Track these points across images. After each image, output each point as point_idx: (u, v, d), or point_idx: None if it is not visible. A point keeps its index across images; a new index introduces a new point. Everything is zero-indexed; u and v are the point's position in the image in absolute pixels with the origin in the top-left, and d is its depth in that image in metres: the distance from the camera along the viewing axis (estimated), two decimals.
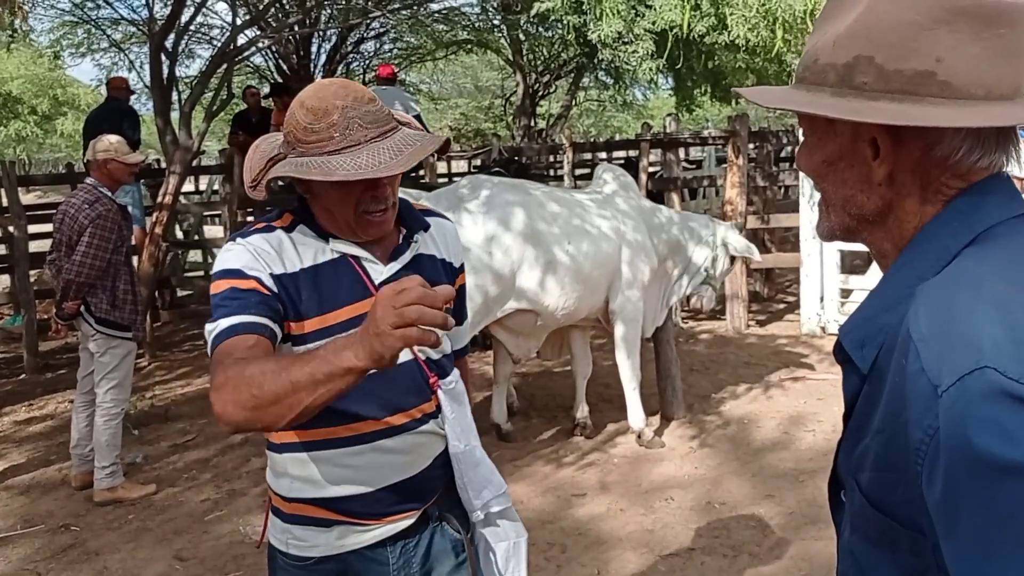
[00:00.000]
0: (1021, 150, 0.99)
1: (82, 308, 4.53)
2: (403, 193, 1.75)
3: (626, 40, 7.11)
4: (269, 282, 1.56)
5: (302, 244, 1.64)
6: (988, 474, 0.73)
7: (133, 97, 12.72)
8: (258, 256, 1.58)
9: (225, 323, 1.50)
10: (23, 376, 7.33)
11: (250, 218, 9.50)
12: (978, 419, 0.75)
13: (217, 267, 1.60)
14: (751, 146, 8.69)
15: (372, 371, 1.29)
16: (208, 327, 1.53)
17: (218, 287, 1.56)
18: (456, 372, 1.79)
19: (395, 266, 1.68)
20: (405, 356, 1.60)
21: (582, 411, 5.40)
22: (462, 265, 1.87)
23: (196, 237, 11.06)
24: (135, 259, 6.03)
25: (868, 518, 0.92)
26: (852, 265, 7.77)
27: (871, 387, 0.92)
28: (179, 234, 10.70)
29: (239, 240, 1.62)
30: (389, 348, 1.22)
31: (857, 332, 0.96)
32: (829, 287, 7.40)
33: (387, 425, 1.66)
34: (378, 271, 1.67)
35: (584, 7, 7.06)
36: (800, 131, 1.08)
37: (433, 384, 1.72)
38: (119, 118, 7.88)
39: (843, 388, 0.99)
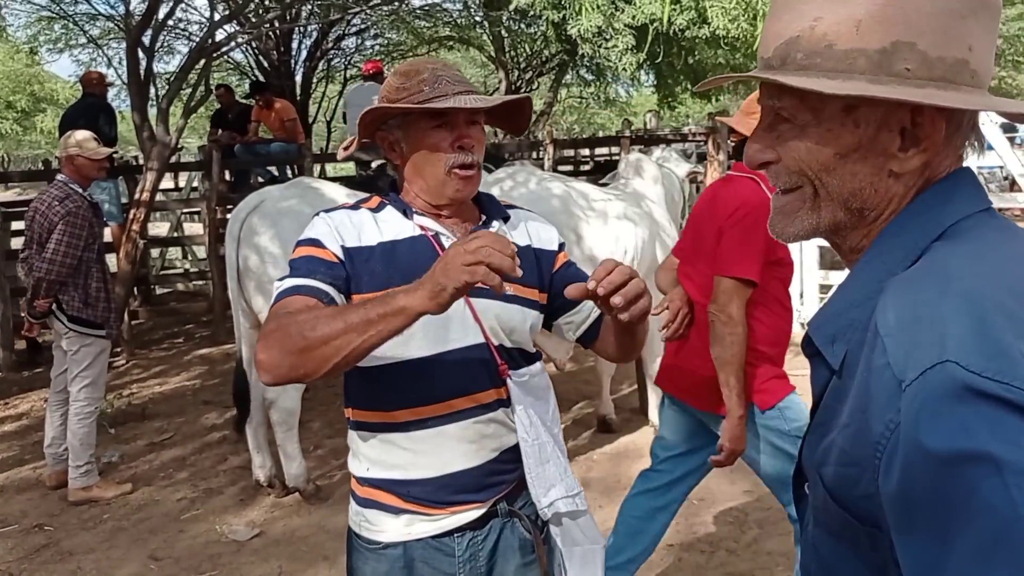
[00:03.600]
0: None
1: (54, 306, 4.48)
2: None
3: (606, 35, 7.09)
4: (340, 254, 1.63)
5: (385, 222, 1.70)
6: (946, 465, 0.73)
7: (112, 92, 12.66)
8: (335, 229, 1.65)
9: (289, 283, 1.58)
10: None
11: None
12: (938, 413, 0.74)
13: (299, 238, 1.68)
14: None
15: (425, 314, 1.37)
16: (275, 284, 1.62)
17: (295, 254, 1.65)
18: (537, 367, 1.77)
19: None
20: (476, 339, 1.67)
21: (608, 408, 5.41)
22: (561, 245, 1.87)
23: (176, 234, 11.00)
24: (111, 256, 5.97)
25: (831, 512, 0.91)
26: (832, 261, 7.80)
27: (839, 381, 0.92)
28: None
29: (322, 214, 1.69)
30: (454, 280, 1.31)
31: (828, 327, 0.95)
32: (809, 283, 7.43)
33: (451, 409, 1.66)
34: None
35: (563, 2, 7.03)
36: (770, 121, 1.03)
37: (502, 372, 1.70)
38: (95, 114, 7.79)
39: (811, 382, 0.99)
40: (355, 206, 1.73)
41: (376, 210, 1.72)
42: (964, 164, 0.95)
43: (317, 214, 1.71)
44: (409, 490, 1.68)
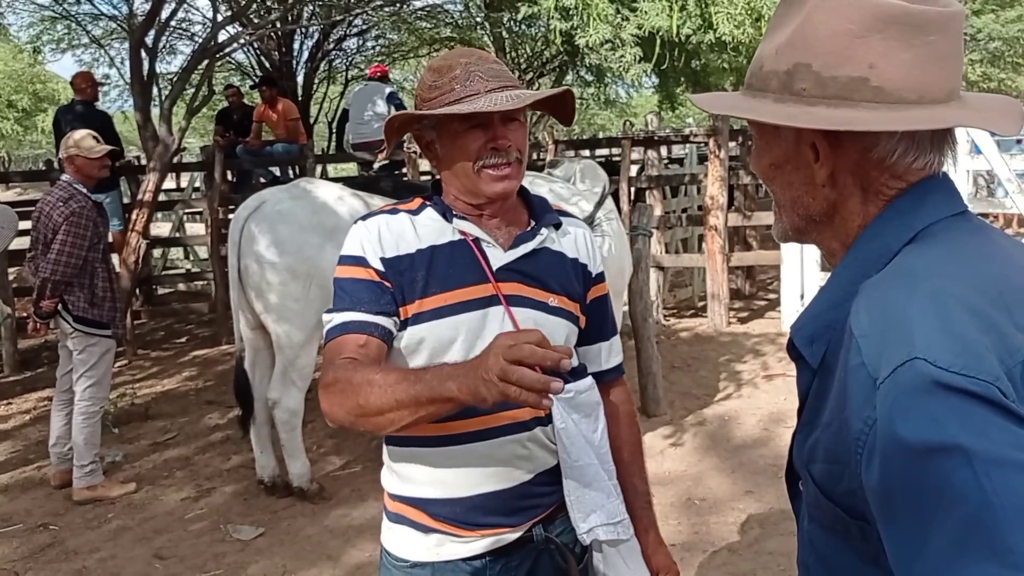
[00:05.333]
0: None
1: (60, 306, 4.50)
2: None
3: (614, 45, 7.10)
4: (381, 266, 1.57)
5: (424, 226, 1.62)
6: (920, 457, 0.77)
7: (115, 92, 12.64)
8: (374, 239, 1.59)
9: (338, 319, 1.55)
10: (2, 374, 7.27)
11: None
12: (910, 407, 0.78)
13: (341, 251, 1.62)
14: (733, 144, 8.72)
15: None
16: (325, 317, 1.58)
17: (338, 272, 1.60)
18: (586, 382, 1.65)
19: (515, 253, 1.62)
20: None
21: None
22: (601, 275, 1.76)
23: (177, 234, 11.01)
24: (114, 256, 5.99)
25: (822, 508, 0.96)
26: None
27: (820, 381, 0.96)
28: None
29: (358, 223, 1.63)
30: (492, 396, 1.25)
31: (807, 329, 0.99)
32: (809, 284, 7.45)
33: (483, 426, 1.56)
34: (497, 256, 1.61)
35: (571, 12, 7.03)
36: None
37: None
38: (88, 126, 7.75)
39: (797, 383, 1.03)
40: (393, 210, 1.65)
41: (415, 213, 1.64)
42: (937, 171, 0.98)
43: (355, 222, 1.65)
44: (437, 509, 1.60)
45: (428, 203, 1.66)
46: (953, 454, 0.75)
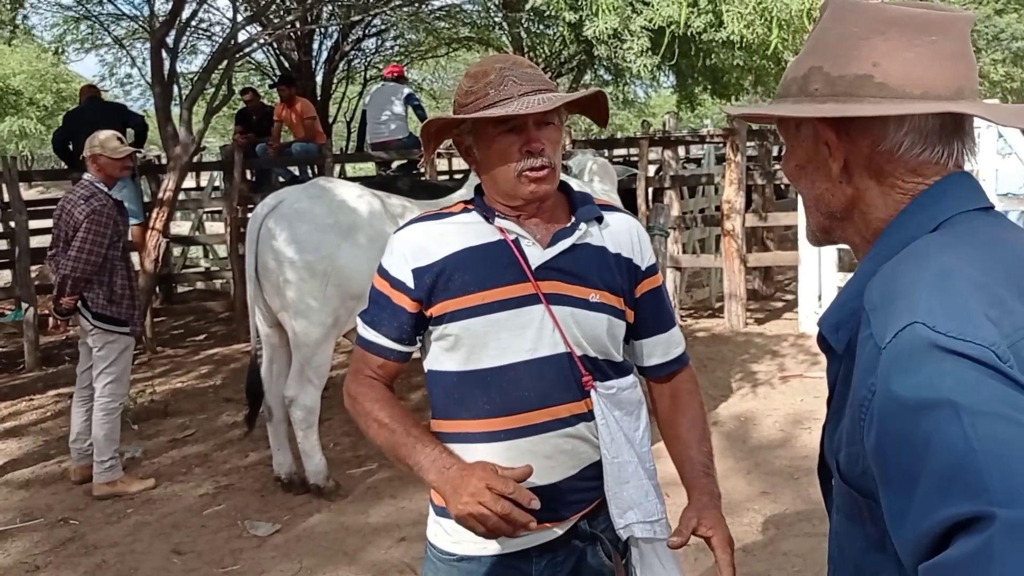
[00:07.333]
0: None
1: (80, 303, 4.55)
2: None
3: (622, 37, 7.07)
4: (409, 279, 1.63)
5: (464, 228, 1.66)
6: (912, 414, 0.80)
7: (136, 92, 12.78)
8: (407, 252, 1.64)
9: (363, 333, 1.70)
10: (23, 370, 7.35)
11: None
12: (906, 368, 0.82)
13: (382, 259, 1.70)
14: (750, 144, 8.69)
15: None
16: (358, 318, 1.74)
17: (374, 279, 1.70)
18: (628, 380, 1.69)
19: (554, 250, 1.63)
20: (558, 348, 1.61)
21: None
22: (652, 267, 1.75)
23: (196, 233, 11.10)
24: (134, 255, 6.04)
25: (842, 494, 0.98)
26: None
27: (846, 368, 0.98)
28: None
29: (396, 235, 1.69)
30: (455, 514, 1.45)
31: (832, 317, 1.03)
32: (827, 285, 7.42)
33: (525, 423, 1.60)
34: (536, 254, 1.62)
35: (580, 3, 7.01)
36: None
37: (586, 384, 1.62)
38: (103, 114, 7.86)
39: (827, 373, 1.05)
40: (434, 215, 1.70)
41: (456, 215, 1.68)
42: (952, 166, 1.01)
43: (396, 230, 1.70)
44: None
45: (471, 206, 1.69)
46: (943, 408, 0.78)
